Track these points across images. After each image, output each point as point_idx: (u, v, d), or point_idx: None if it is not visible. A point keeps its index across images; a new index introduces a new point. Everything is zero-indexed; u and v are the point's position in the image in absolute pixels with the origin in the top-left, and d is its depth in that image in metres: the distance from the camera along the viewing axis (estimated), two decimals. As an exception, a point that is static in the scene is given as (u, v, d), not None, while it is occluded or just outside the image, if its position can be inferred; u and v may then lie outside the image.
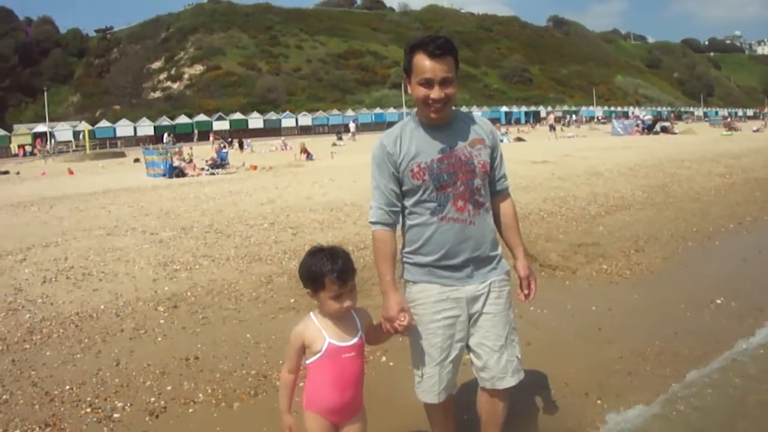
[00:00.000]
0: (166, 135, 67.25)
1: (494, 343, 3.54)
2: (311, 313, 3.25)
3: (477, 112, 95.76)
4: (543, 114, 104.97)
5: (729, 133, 54.11)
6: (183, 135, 74.50)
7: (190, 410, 4.75)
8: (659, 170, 20.23)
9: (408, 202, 3.51)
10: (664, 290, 7.60)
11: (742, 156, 25.67)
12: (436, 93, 3.30)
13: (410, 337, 3.58)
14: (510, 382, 3.57)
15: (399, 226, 3.57)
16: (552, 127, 61.59)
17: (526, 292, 3.68)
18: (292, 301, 7.25)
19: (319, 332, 3.16)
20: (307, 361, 3.22)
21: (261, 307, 7.16)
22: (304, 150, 36.24)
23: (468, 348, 3.62)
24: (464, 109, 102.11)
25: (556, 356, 5.48)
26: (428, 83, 3.30)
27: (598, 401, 4.72)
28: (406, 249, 3.58)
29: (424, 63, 3.28)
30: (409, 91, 3.45)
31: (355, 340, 3.23)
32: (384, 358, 5.64)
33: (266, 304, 7.25)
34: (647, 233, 10.73)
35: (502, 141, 3.45)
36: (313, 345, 3.16)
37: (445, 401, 3.64)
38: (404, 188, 3.47)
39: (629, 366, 5.35)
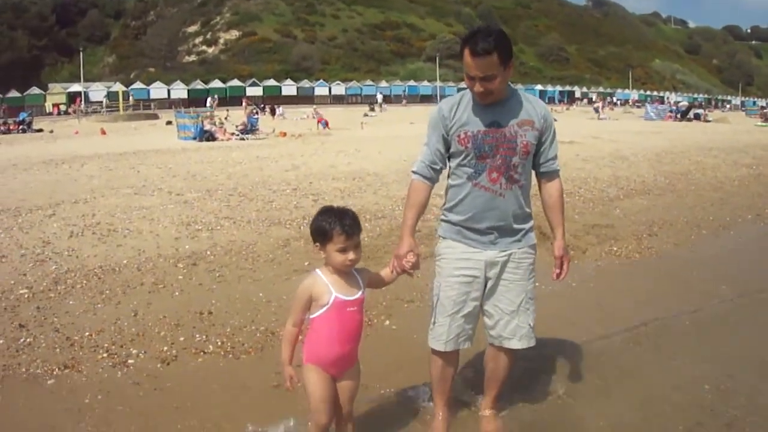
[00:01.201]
0: (209, 99, 67.19)
1: (506, 307, 3.82)
2: (317, 270, 3.48)
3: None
4: (578, 94, 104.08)
5: (765, 124, 53.13)
6: (223, 99, 74.64)
7: (200, 360, 5.04)
8: (685, 157, 20.14)
9: (452, 164, 3.81)
10: (669, 274, 7.75)
11: (774, 148, 25.39)
12: (477, 87, 3.55)
13: (433, 289, 3.91)
14: (516, 344, 3.86)
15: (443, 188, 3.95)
16: (596, 110, 61.07)
17: (558, 271, 3.92)
18: (306, 264, 7.51)
19: (326, 287, 3.39)
20: (312, 315, 3.44)
21: (276, 269, 7.44)
22: (318, 117, 36.77)
23: (482, 310, 3.89)
24: None
25: (550, 328, 5.62)
26: (471, 78, 3.56)
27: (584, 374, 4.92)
28: (444, 206, 3.91)
29: (468, 60, 3.51)
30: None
31: (358, 295, 3.48)
32: (387, 322, 5.89)
33: (281, 266, 7.54)
34: (663, 219, 10.82)
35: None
36: (320, 299, 3.39)
37: (449, 355, 3.90)
38: (451, 150, 3.77)
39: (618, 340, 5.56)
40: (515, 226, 3.79)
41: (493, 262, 3.77)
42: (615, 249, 8.63)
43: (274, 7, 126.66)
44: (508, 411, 4.21)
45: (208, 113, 34.38)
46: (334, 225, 3.36)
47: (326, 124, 36.26)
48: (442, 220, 3.93)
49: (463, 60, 3.56)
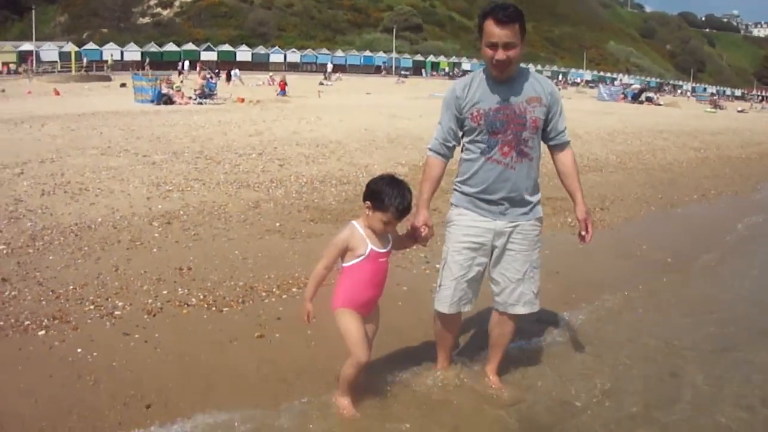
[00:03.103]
0: (186, 62, 65.35)
1: (512, 275, 4.08)
2: (354, 223, 3.79)
3: (467, 64, 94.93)
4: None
5: (713, 110, 54.48)
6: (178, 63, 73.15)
7: (184, 311, 5.30)
8: (637, 138, 20.80)
9: (465, 140, 4.07)
10: (620, 246, 8.25)
11: (720, 134, 26.28)
12: (500, 55, 3.75)
13: (442, 254, 4.17)
14: (520, 310, 4.16)
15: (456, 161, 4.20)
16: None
17: (583, 233, 4.12)
18: (277, 225, 7.84)
19: (363, 240, 3.72)
20: (347, 264, 3.77)
21: (248, 228, 7.73)
22: (282, 83, 36.76)
23: (489, 278, 4.16)
24: (454, 59, 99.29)
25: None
26: (493, 46, 3.75)
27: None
28: (458, 179, 4.15)
29: (492, 29, 3.73)
30: (481, 51, 3.86)
31: (389, 247, 3.84)
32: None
33: (253, 226, 7.83)
34: (614, 195, 11.36)
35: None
36: (357, 249, 3.72)
37: (452, 318, 4.20)
38: (464, 128, 4.02)
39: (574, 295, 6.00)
40: (526, 197, 4.02)
41: (501, 232, 4.01)
42: (570, 221, 9.05)
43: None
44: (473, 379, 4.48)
45: (166, 76, 33.89)
46: (394, 201, 3.65)
47: (284, 92, 36.33)
48: (455, 190, 4.17)
49: (483, 31, 3.77)
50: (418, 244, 4.12)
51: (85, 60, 71.22)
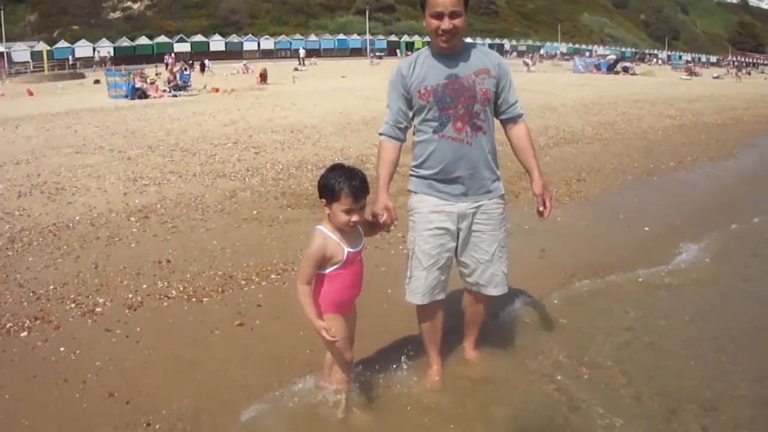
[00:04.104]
0: (169, 56, 64.12)
1: (481, 256, 4.03)
2: (322, 228, 3.58)
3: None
4: (507, 47, 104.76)
5: (688, 77, 54.84)
6: (150, 57, 72.25)
7: (165, 304, 5.32)
8: (612, 109, 20.92)
9: (416, 120, 3.96)
10: (597, 216, 8.34)
11: (696, 101, 26.45)
12: (445, 24, 3.71)
13: (408, 243, 4.08)
14: (492, 291, 4.12)
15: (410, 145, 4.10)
16: (525, 63, 62.01)
17: (541, 209, 4.04)
18: (254, 213, 7.86)
19: (338, 245, 3.54)
20: (326, 271, 3.57)
21: (226, 218, 7.74)
22: (262, 75, 36.55)
23: (458, 262, 4.10)
24: (428, 38, 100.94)
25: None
26: (439, 16, 3.71)
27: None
28: (413, 163, 4.04)
29: None
30: (424, 24, 3.84)
31: (363, 244, 3.73)
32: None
33: (230, 216, 7.84)
34: (591, 165, 11.44)
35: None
36: (335, 257, 3.55)
37: (431, 306, 4.08)
38: (414, 108, 3.93)
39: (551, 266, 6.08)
40: (485, 173, 3.95)
41: (464, 214, 3.94)
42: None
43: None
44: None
45: (139, 70, 33.65)
46: (343, 185, 3.47)
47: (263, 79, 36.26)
48: (412, 176, 4.07)
49: (427, 2, 3.74)
50: (383, 231, 3.96)
51: (70, 58, 70.09)
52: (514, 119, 4.08)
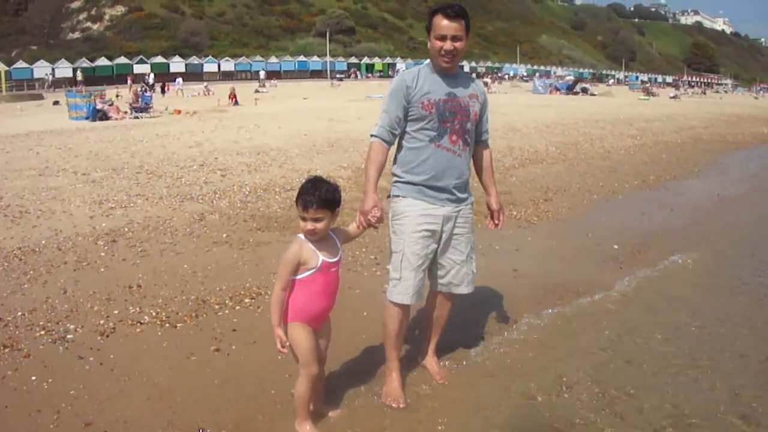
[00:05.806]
0: (152, 76, 62.82)
1: (458, 257, 4.35)
2: (300, 236, 3.70)
3: (401, 65, 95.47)
4: (467, 69, 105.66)
5: (646, 97, 56.12)
6: (110, 78, 71.51)
7: (138, 330, 5.21)
8: (574, 129, 21.24)
9: (411, 128, 4.22)
10: (566, 235, 8.45)
11: (655, 120, 27.04)
12: (448, 45, 4.09)
13: (392, 246, 4.26)
14: (464, 290, 4.44)
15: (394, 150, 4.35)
16: (486, 83, 62.67)
17: (497, 221, 4.56)
18: (224, 236, 7.80)
19: (314, 252, 3.66)
20: (298, 277, 3.69)
21: (195, 241, 7.66)
22: (232, 96, 36.41)
23: (435, 263, 4.33)
24: (388, 60, 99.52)
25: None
26: (443, 38, 4.09)
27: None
28: (401, 169, 4.28)
29: (441, 22, 4.07)
30: (428, 45, 4.21)
31: (339, 256, 3.81)
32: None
33: (200, 239, 7.77)
34: (557, 185, 11.59)
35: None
36: (308, 263, 3.66)
37: (408, 309, 4.27)
38: (412, 116, 4.19)
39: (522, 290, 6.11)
40: (466, 183, 4.32)
41: (449, 217, 4.24)
42: (515, 213, 9.25)
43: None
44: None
45: (100, 92, 33.25)
46: (299, 196, 3.64)
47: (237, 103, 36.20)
48: (398, 182, 4.28)
49: (433, 25, 4.11)
50: (371, 228, 4.07)
51: (50, 78, 68.98)
52: (485, 143, 4.58)
